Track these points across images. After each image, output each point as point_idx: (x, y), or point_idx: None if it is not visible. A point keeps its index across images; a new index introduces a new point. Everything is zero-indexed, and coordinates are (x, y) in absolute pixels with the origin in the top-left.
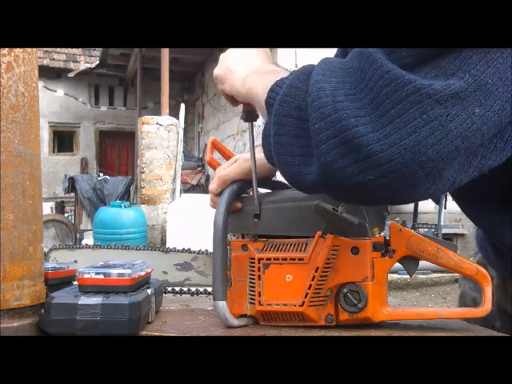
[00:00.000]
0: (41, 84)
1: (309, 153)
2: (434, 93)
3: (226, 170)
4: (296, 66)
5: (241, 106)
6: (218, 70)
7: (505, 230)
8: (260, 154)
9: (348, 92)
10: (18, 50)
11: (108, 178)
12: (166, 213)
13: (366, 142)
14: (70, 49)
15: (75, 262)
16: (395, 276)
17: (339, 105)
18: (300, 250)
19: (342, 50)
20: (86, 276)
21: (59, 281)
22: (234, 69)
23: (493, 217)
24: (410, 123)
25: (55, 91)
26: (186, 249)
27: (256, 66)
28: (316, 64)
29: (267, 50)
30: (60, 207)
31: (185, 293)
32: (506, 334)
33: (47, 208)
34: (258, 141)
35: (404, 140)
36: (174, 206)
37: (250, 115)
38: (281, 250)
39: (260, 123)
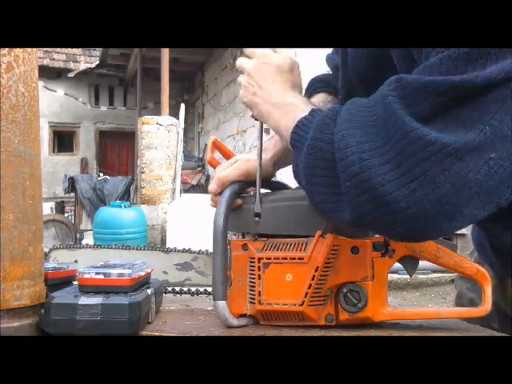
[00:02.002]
0: (41, 84)
1: (341, 200)
2: (455, 151)
3: (226, 170)
4: None
5: (240, 107)
6: (245, 81)
7: (507, 233)
8: (262, 154)
9: (372, 146)
10: (17, 50)
11: (108, 177)
12: (166, 213)
13: (393, 200)
14: (70, 49)
15: (75, 261)
16: (395, 276)
17: (365, 163)
18: (300, 250)
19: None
20: (86, 276)
21: (59, 281)
22: (260, 95)
23: (494, 220)
24: (433, 180)
25: (55, 91)
26: (186, 249)
27: (277, 99)
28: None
29: (290, 65)
30: (60, 207)
31: (185, 293)
32: (505, 334)
33: (47, 208)
34: (257, 141)
35: (429, 196)
36: (174, 206)
37: None
38: (281, 250)
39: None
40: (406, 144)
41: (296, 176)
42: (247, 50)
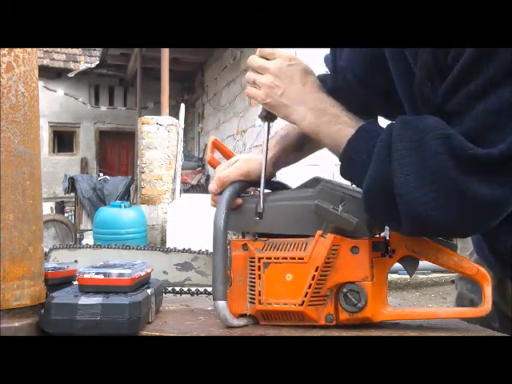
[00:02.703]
0: (41, 84)
1: (399, 221)
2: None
3: (226, 170)
4: None
5: (240, 107)
6: (269, 82)
7: (508, 238)
8: (261, 155)
9: (428, 194)
10: (17, 50)
11: (108, 177)
12: (166, 213)
13: (443, 226)
14: (70, 49)
15: (75, 261)
16: (395, 276)
17: (422, 209)
18: (300, 250)
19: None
20: (86, 276)
21: (59, 281)
22: (290, 96)
23: (500, 227)
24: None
25: (55, 91)
26: (186, 249)
27: (310, 101)
28: (393, 136)
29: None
30: (60, 207)
31: (185, 293)
32: (505, 334)
33: (47, 208)
34: (258, 141)
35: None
36: (174, 206)
37: (269, 115)
38: (281, 250)
39: (260, 123)
40: (458, 198)
41: (343, 174)
42: (266, 51)
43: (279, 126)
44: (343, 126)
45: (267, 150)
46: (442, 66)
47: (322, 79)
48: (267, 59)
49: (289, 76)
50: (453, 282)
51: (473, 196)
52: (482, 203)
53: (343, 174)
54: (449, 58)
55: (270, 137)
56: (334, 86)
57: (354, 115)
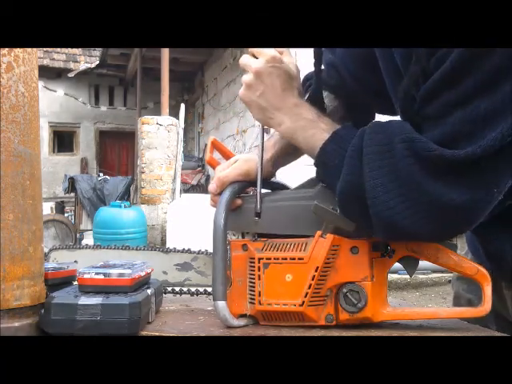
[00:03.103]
0: (41, 84)
1: (371, 225)
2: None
3: (226, 170)
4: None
5: (240, 107)
6: (250, 81)
7: (507, 246)
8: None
9: (396, 193)
10: (17, 50)
11: (108, 177)
12: (166, 213)
13: (405, 228)
14: (70, 49)
15: (75, 262)
16: (395, 276)
17: (392, 211)
18: (300, 250)
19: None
20: (86, 276)
21: (59, 281)
22: (267, 98)
23: (494, 230)
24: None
25: (55, 91)
26: (186, 249)
27: (287, 107)
28: (364, 141)
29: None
30: (60, 207)
31: (185, 293)
32: (505, 334)
33: (47, 208)
34: (258, 141)
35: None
36: (174, 206)
37: None
38: (281, 250)
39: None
40: (425, 202)
41: (319, 178)
42: (254, 50)
43: None
44: (318, 130)
45: (262, 149)
46: (426, 73)
47: (308, 77)
48: (255, 57)
49: (269, 78)
50: (450, 282)
51: (438, 200)
52: (450, 207)
53: (319, 177)
54: (431, 64)
55: (268, 136)
56: (328, 82)
57: (330, 120)
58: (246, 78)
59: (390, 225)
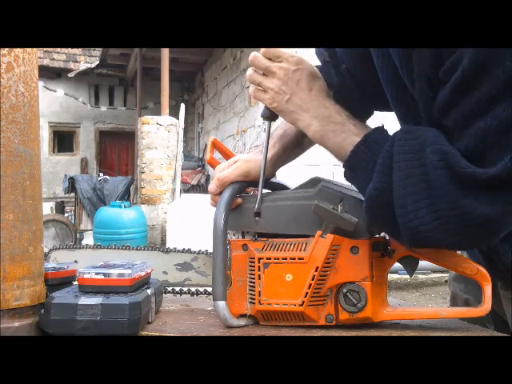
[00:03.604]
0: (41, 84)
1: (398, 233)
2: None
3: (226, 171)
4: None
5: (240, 107)
6: (276, 87)
7: (503, 247)
8: (260, 156)
9: (426, 203)
10: (17, 50)
11: (108, 177)
12: (166, 213)
13: (434, 240)
14: (70, 49)
15: (75, 262)
16: (395, 276)
17: (420, 221)
18: (300, 250)
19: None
20: (86, 276)
21: (59, 281)
22: (296, 103)
23: None
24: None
25: (55, 91)
26: (186, 249)
27: (316, 110)
28: (394, 147)
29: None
30: (60, 207)
31: (185, 293)
32: (505, 334)
33: (47, 208)
34: (258, 141)
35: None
36: (174, 206)
37: (271, 115)
38: (281, 250)
39: (260, 123)
40: (454, 215)
41: (347, 180)
42: (271, 52)
43: (275, 124)
44: (348, 134)
45: (267, 148)
46: (437, 77)
47: (323, 72)
48: (272, 61)
49: (295, 81)
50: (446, 282)
51: (469, 213)
52: (478, 221)
53: (347, 179)
54: (440, 73)
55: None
56: (326, 79)
57: (360, 122)
58: (272, 84)
59: (417, 234)
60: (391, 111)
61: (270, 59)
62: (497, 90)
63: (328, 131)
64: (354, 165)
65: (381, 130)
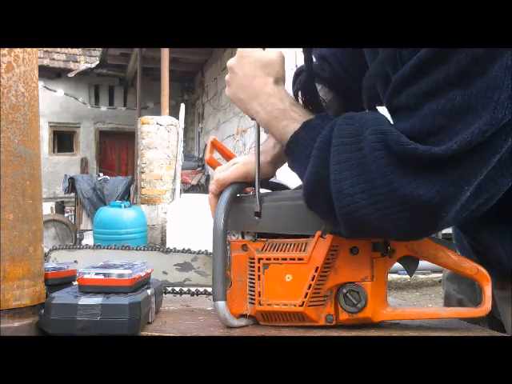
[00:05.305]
0: (41, 84)
1: (336, 221)
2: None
3: (225, 172)
4: (296, 66)
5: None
6: (227, 77)
7: (501, 251)
8: (261, 156)
9: (362, 188)
10: (17, 50)
11: (108, 177)
12: (166, 213)
13: (373, 225)
14: (70, 49)
15: (75, 262)
16: (395, 276)
17: (357, 205)
18: (300, 250)
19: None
20: (86, 276)
21: (59, 281)
22: (243, 90)
23: (489, 235)
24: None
25: (55, 91)
26: (186, 249)
27: (261, 96)
28: (333, 132)
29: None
30: (60, 207)
31: (185, 293)
32: (505, 334)
33: (47, 208)
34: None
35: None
36: (174, 206)
37: None
38: (280, 250)
39: None
40: (390, 198)
41: (290, 167)
42: (237, 52)
43: None
44: (290, 121)
45: (259, 146)
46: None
47: (300, 70)
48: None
49: (242, 69)
50: (440, 282)
51: (406, 195)
52: (418, 204)
53: (290, 166)
54: (404, 53)
55: (268, 135)
56: (321, 75)
57: (305, 110)
58: (227, 77)
59: (354, 220)
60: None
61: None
62: (456, 73)
63: (272, 118)
64: (292, 150)
65: (323, 116)
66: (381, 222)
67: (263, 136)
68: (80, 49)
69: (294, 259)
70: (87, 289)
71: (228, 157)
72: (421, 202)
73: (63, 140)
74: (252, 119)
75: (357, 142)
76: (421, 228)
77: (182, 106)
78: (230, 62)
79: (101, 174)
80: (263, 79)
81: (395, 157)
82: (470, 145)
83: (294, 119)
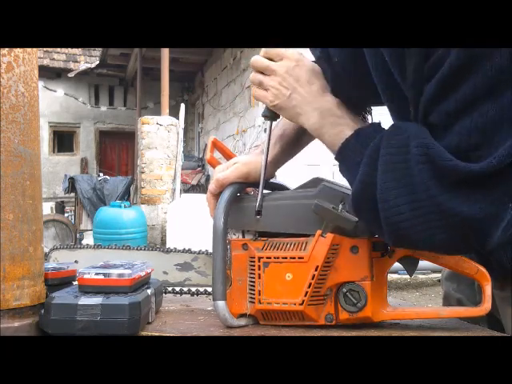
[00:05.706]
0: (41, 84)
1: (381, 231)
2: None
3: (225, 172)
4: None
5: (240, 107)
6: (277, 84)
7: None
8: (260, 156)
9: (407, 200)
10: (17, 50)
11: (108, 177)
12: (166, 213)
13: (415, 240)
14: (70, 49)
15: (75, 262)
16: (395, 276)
17: (402, 217)
18: (300, 249)
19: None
20: (86, 276)
21: (59, 281)
22: (297, 97)
23: None
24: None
25: (55, 91)
26: (187, 249)
27: (317, 102)
28: (381, 142)
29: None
30: (60, 207)
31: (185, 293)
32: (505, 334)
33: (47, 208)
34: (258, 141)
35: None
36: (174, 206)
37: (272, 114)
38: (281, 249)
39: (260, 123)
40: (433, 212)
41: (341, 173)
42: (271, 51)
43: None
44: (345, 127)
45: (268, 148)
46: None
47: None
48: (273, 60)
49: (296, 77)
50: (439, 281)
51: (448, 211)
52: (456, 220)
53: (340, 171)
54: (427, 67)
55: (267, 137)
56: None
57: (358, 118)
58: (272, 82)
59: (398, 231)
60: (383, 105)
61: (270, 59)
62: (484, 86)
63: (326, 123)
64: (343, 156)
65: (375, 125)
66: (424, 236)
67: (263, 136)
68: (80, 49)
69: (294, 258)
70: (87, 289)
71: (228, 156)
72: (464, 218)
73: (63, 140)
74: (301, 125)
75: (403, 152)
76: (464, 244)
77: (182, 106)
78: (278, 68)
79: (101, 174)
80: (320, 87)
81: (438, 171)
82: (510, 157)
83: (348, 126)
